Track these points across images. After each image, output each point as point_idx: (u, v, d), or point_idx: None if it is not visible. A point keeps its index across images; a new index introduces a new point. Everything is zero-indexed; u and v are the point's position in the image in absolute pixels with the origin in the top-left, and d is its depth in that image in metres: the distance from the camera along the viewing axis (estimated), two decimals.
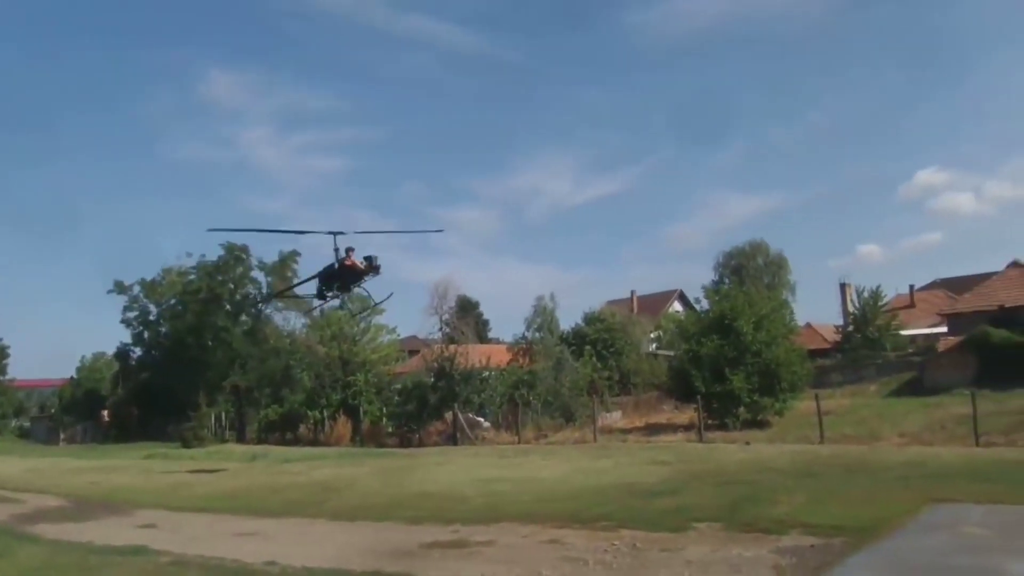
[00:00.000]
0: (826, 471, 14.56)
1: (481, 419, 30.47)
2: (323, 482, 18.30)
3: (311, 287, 19.95)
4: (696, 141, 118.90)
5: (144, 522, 13.51)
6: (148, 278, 42.33)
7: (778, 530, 9.49)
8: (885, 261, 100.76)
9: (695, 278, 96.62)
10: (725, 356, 25.62)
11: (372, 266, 17.72)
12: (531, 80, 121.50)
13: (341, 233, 17.83)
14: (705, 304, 39.05)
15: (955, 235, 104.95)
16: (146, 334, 43.13)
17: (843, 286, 52.01)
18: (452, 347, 33.38)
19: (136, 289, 42.32)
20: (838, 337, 47.82)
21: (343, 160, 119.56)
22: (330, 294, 19.44)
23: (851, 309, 47.94)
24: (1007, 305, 32.66)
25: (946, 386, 27.99)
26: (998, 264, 39.49)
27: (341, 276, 18.02)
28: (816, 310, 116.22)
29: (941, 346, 34.49)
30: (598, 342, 40.18)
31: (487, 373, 32.79)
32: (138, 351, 45.17)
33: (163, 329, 42.26)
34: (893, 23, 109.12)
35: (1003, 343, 29.10)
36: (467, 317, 46.02)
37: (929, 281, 62.03)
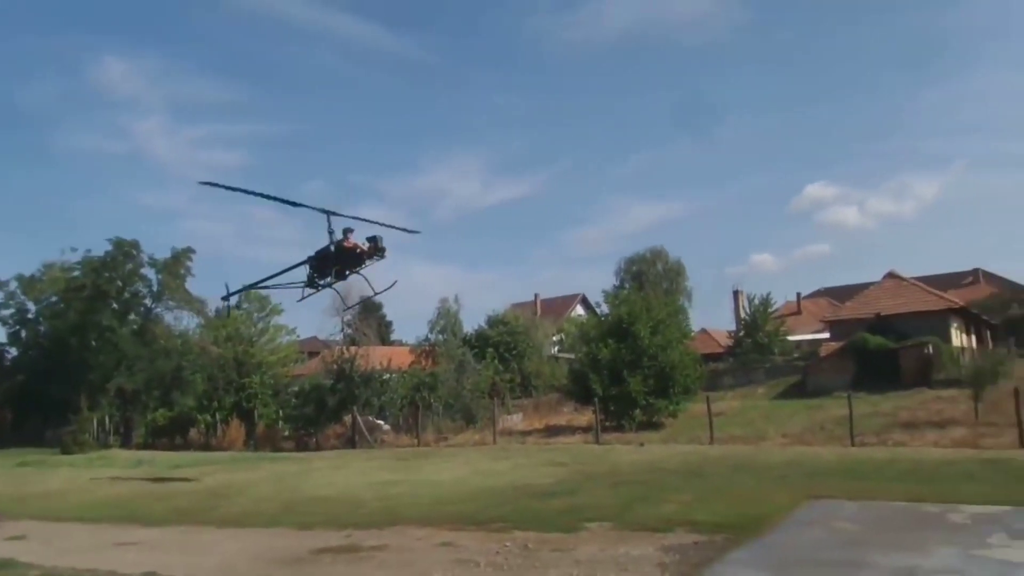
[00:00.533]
0: (714, 471, 15.14)
1: (381, 422, 30.09)
2: (213, 488, 17.62)
3: (299, 275, 17.12)
4: (601, 147, 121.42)
5: (14, 533, 12.62)
6: (27, 273, 39.70)
7: (665, 528, 9.78)
8: (778, 270, 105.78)
9: (598, 282, 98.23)
10: (623, 359, 26.24)
11: (377, 247, 15.76)
12: (440, 80, 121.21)
13: (335, 214, 16.07)
14: (606, 308, 39.90)
15: (841, 246, 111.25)
16: (23, 333, 40.38)
17: (736, 293, 54.33)
18: (353, 349, 32.85)
19: (13, 285, 39.59)
20: (731, 342, 49.82)
21: (241, 155, 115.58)
22: (323, 281, 17.37)
23: (743, 315, 50.06)
24: (883, 313, 34.79)
25: (827, 389, 29.57)
26: (877, 275, 42.10)
27: (339, 260, 16.12)
28: (712, 316, 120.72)
29: (823, 351, 36.42)
30: (501, 344, 40.44)
31: (388, 375, 32.42)
32: (13, 351, 42.29)
33: (42, 328, 39.68)
34: (793, 41, 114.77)
35: (878, 349, 31.04)
36: (370, 318, 45.44)
37: (815, 289, 65.63)
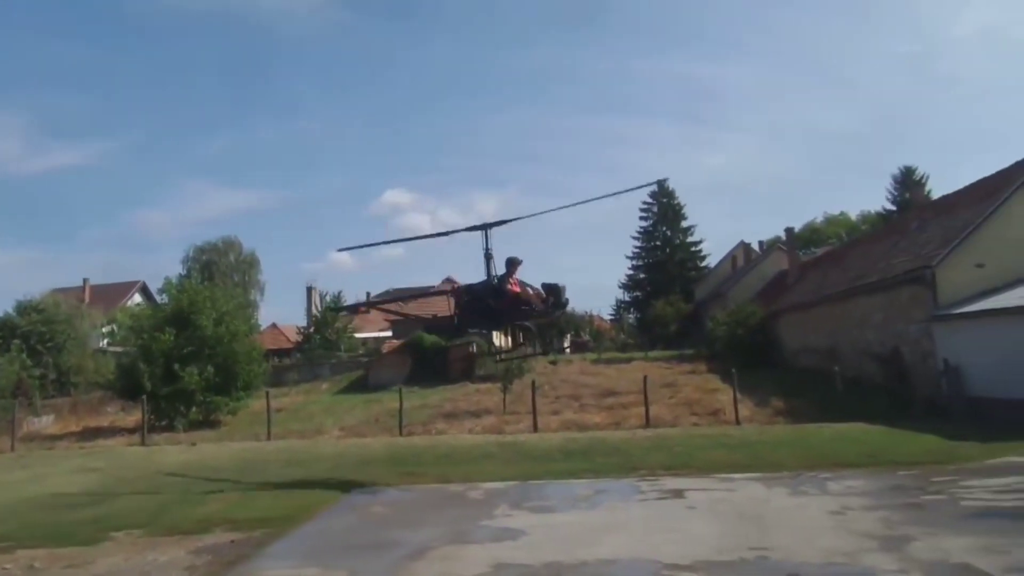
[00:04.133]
0: (266, 467, 14.96)
1: None
2: None
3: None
4: (179, 124, 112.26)
5: None
6: None
7: (201, 530, 9.35)
8: (355, 269, 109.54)
9: (163, 270, 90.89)
10: (180, 353, 24.45)
11: (559, 302, 12.29)
12: None
13: (493, 225, 11.98)
14: (166, 298, 36.81)
15: (413, 251, 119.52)
16: None
17: (310, 289, 54.66)
18: None
19: None
20: (300, 338, 49.92)
21: None
22: (474, 331, 13.16)
23: (315, 312, 50.57)
24: (439, 315, 38.06)
25: (387, 384, 31.39)
26: (439, 279, 46.08)
27: (498, 306, 11.98)
28: (287, 311, 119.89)
29: (385, 348, 38.65)
30: (32, 335, 34.74)
31: None
32: None
33: None
34: (383, 47, 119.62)
35: (432, 347, 33.98)
36: None
37: (384, 290, 69.24)
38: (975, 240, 19.85)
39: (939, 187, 55.39)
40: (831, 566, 6.72)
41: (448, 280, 43.91)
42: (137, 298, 58.83)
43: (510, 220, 12.08)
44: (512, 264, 12.14)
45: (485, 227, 12.03)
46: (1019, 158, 21.71)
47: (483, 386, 28.91)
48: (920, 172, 60.86)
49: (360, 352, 43.31)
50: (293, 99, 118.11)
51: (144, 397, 22.01)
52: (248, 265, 65.21)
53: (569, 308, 61.36)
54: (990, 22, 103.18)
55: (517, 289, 11.95)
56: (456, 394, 27.85)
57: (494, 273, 11.98)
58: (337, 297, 50.25)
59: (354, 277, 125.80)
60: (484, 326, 12.96)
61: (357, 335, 48.95)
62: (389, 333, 43.01)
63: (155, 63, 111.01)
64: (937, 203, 27.87)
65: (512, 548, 7.93)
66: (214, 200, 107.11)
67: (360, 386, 33.81)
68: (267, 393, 23.09)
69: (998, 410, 16.63)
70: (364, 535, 8.93)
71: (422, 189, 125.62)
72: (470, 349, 33.69)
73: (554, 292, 12.11)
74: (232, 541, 8.78)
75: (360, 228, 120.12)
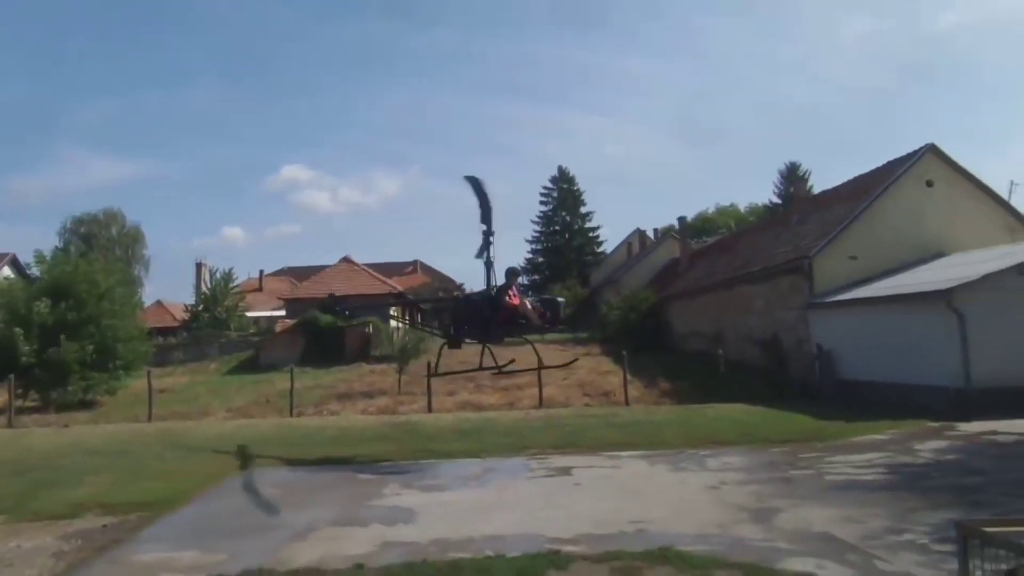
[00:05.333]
0: (145, 449, 14.31)
1: None
2: None
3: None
4: (57, 86, 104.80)
5: None
6: None
7: (71, 515, 8.90)
8: (248, 245, 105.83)
9: (35, 242, 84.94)
10: (51, 331, 22.98)
11: (557, 317, 12.06)
12: None
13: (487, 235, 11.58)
14: (37, 272, 34.45)
15: (311, 228, 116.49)
16: None
17: (199, 266, 52.52)
18: None
19: None
20: (187, 316, 47.94)
21: None
22: (469, 341, 12.96)
23: (204, 289, 48.64)
24: (336, 294, 37.46)
25: (279, 364, 30.55)
26: (336, 258, 45.15)
27: (493, 317, 11.58)
28: (174, 288, 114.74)
29: (279, 328, 37.59)
30: None
31: None
32: None
33: None
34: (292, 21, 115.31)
35: (327, 326, 33.30)
36: None
37: (279, 268, 67.39)
38: (849, 234, 21.15)
39: (821, 182, 58.62)
40: (704, 537, 7.06)
41: (345, 259, 43.19)
42: (7, 271, 54.84)
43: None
44: (512, 275, 12.02)
45: (486, 234, 11.69)
46: (892, 158, 23.26)
47: (379, 367, 28.64)
48: (803, 168, 64.29)
49: (251, 331, 41.98)
50: (185, 66, 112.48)
51: (12, 376, 20.59)
52: (131, 239, 61.96)
53: (469, 291, 61.67)
54: (871, 29, 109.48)
55: (516, 302, 11.72)
56: (351, 375, 27.45)
57: (494, 283, 11.81)
58: (227, 274, 48.37)
59: (246, 254, 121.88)
60: (478, 337, 12.49)
61: (249, 314, 47.47)
62: (282, 312, 41.88)
63: (30, 22, 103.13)
64: (817, 198, 29.46)
65: (400, 527, 7.93)
66: (96, 169, 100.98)
67: (250, 366, 32.81)
68: (148, 373, 22.04)
69: (864, 392, 17.85)
70: (247, 517, 8.71)
71: (322, 166, 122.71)
72: (367, 329, 33.27)
73: (552, 307, 12.14)
74: (104, 526, 8.41)
75: (255, 203, 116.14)
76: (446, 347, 13.32)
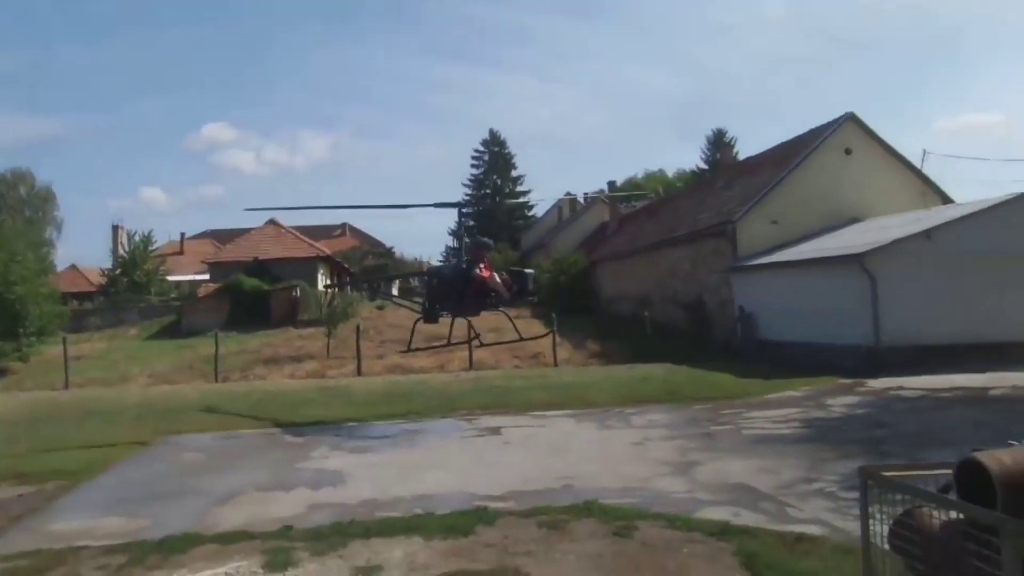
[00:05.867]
0: (62, 417, 13.86)
1: None
2: None
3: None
4: None
5: None
6: None
7: None
8: (168, 207, 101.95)
9: None
10: None
11: (525, 288, 11.94)
12: None
13: (459, 205, 12.48)
14: None
15: (235, 190, 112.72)
16: None
17: (116, 228, 50.30)
18: None
19: None
20: (105, 280, 46.07)
21: None
22: (443, 314, 12.68)
23: (122, 253, 46.73)
24: (261, 257, 36.55)
25: (202, 329, 29.73)
26: (261, 220, 43.80)
27: (465, 291, 11.60)
28: (90, 252, 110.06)
29: (202, 292, 36.52)
30: None
31: None
32: None
33: None
34: None
35: (253, 290, 32.50)
36: None
37: (202, 231, 65.25)
38: (771, 199, 21.78)
39: (750, 148, 59.84)
40: (628, 490, 7.29)
41: (271, 222, 42.10)
42: None
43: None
44: (480, 247, 12.16)
45: (459, 205, 12.43)
46: (812, 126, 23.95)
47: (307, 331, 28.17)
48: (730, 135, 65.48)
49: (173, 296, 40.68)
50: (99, 18, 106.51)
51: None
52: (42, 200, 59.01)
53: (399, 254, 61.02)
54: (797, 3, 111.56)
55: (486, 275, 11.66)
56: (277, 339, 26.96)
57: (465, 256, 12.00)
58: (146, 237, 46.58)
59: (167, 216, 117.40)
60: (452, 311, 12.56)
61: (170, 278, 45.92)
62: (206, 276, 40.65)
63: None
64: (742, 164, 30.15)
65: (329, 489, 7.92)
66: (2, 127, 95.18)
67: (173, 332, 31.83)
68: (64, 339, 21.18)
69: (782, 351, 18.56)
70: (171, 483, 8.54)
71: (246, 124, 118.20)
72: (294, 293, 32.67)
73: (519, 279, 12.02)
74: (20, 495, 8.13)
75: (175, 163, 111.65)
76: (421, 322, 13.35)
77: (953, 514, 2.85)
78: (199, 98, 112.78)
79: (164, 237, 54.06)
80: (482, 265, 11.85)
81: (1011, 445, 2.91)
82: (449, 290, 12.14)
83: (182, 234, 59.15)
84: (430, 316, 13.01)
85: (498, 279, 11.82)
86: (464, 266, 11.91)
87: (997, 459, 2.69)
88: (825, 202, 21.47)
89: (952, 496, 2.84)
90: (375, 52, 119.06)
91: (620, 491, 7.25)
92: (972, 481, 2.73)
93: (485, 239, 12.61)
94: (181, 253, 54.22)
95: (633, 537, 5.73)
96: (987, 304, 16.11)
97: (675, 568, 5.06)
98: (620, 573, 5.06)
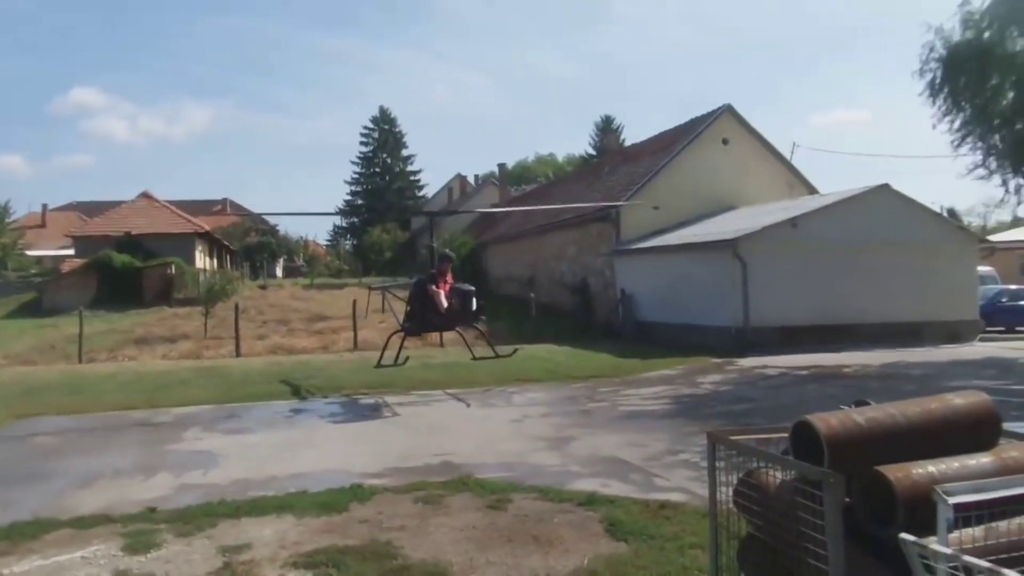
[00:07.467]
0: None
1: None
2: None
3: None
4: None
5: None
6: None
7: None
8: (29, 176, 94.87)
9: None
10: None
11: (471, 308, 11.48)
12: None
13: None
14: None
15: (105, 160, 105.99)
16: None
17: None
18: None
19: None
20: None
21: None
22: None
23: None
24: (134, 232, 34.57)
25: (67, 307, 27.90)
26: (134, 193, 41.51)
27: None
28: None
29: (66, 268, 34.25)
30: None
31: None
32: None
33: None
34: None
35: (124, 267, 30.74)
36: None
37: (67, 203, 61.08)
38: (653, 185, 22.54)
39: (637, 135, 61.52)
40: (505, 465, 7.43)
41: (144, 195, 39.89)
42: None
43: (456, 212, 12.52)
44: (444, 262, 11.98)
45: (431, 215, 12.76)
46: (694, 116, 24.91)
47: (182, 310, 26.96)
48: (617, 121, 67.14)
49: (33, 271, 37.96)
50: None
51: None
52: None
53: (283, 231, 59.16)
54: None
55: (438, 290, 11.24)
56: (150, 319, 25.71)
57: (433, 269, 11.75)
58: (4, 208, 43.21)
59: (27, 185, 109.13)
60: (441, 329, 13.12)
61: (30, 252, 42.86)
62: (71, 251, 38.13)
63: None
64: (627, 150, 30.99)
65: (199, 470, 7.65)
66: None
67: (32, 310, 29.71)
68: None
69: (659, 332, 19.34)
70: (25, 466, 8.02)
71: (120, 90, 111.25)
72: (168, 270, 31.14)
73: (462, 298, 11.45)
74: None
75: (36, 129, 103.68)
76: (403, 334, 12.46)
77: (791, 474, 3.08)
78: (67, 59, 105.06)
79: (24, 208, 50.43)
80: (442, 281, 11.46)
81: (841, 409, 3.17)
82: (416, 302, 11.75)
83: (44, 205, 55.37)
84: (415, 333, 12.72)
85: (444, 301, 11.24)
86: (426, 280, 11.50)
87: (825, 420, 2.92)
88: (703, 190, 22.42)
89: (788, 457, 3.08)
90: (264, 22, 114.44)
91: (497, 466, 7.38)
92: (807, 442, 2.96)
93: (446, 250, 12.49)
94: (43, 226, 50.71)
95: (507, 509, 5.85)
96: (844, 288, 17.35)
97: (545, 537, 5.21)
98: (492, 543, 5.16)
